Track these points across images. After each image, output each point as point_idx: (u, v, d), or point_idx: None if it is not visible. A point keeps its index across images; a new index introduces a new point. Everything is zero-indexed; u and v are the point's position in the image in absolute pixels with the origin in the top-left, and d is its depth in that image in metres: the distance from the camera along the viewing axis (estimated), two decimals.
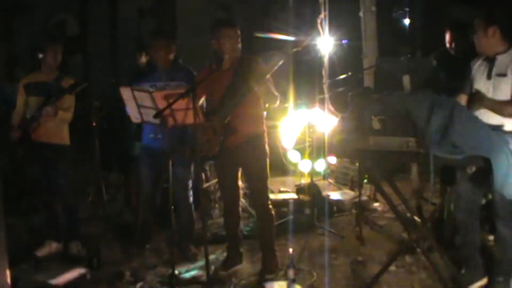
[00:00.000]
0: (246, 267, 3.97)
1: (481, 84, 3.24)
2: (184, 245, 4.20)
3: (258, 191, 3.80)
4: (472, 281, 3.35)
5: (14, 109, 4.31)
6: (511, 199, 3.11)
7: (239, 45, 3.66)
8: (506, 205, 3.18)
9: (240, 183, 3.98)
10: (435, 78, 4.12)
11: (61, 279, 3.69)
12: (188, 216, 4.21)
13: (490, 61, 3.22)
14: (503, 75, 3.13)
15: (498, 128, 3.07)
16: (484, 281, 3.36)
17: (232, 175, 3.84)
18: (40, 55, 4.16)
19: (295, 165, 6.28)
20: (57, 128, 4.17)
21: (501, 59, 3.17)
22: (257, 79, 3.46)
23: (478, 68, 3.33)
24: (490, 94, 3.16)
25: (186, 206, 4.17)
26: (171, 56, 4.07)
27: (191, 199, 4.20)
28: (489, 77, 3.21)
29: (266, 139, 3.81)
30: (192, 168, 4.16)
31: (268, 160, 3.79)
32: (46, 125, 4.12)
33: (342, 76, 5.08)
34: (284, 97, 3.98)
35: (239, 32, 3.66)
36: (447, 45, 4.26)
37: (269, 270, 3.77)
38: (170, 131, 3.62)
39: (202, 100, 3.77)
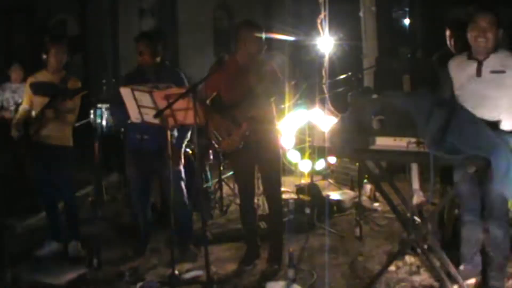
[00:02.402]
0: (246, 267, 3.96)
1: (469, 82, 3.25)
2: (184, 245, 4.20)
3: (274, 184, 3.94)
4: (469, 277, 3.38)
5: (18, 108, 4.31)
6: (505, 200, 3.14)
7: (262, 46, 3.76)
8: (500, 206, 3.22)
9: None
10: (434, 78, 4.12)
11: (61, 279, 3.70)
12: (185, 215, 4.20)
13: (478, 59, 3.24)
14: (501, 71, 3.15)
15: (497, 128, 3.08)
16: (479, 278, 3.41)
17: (250, 171, 3.97)
18: (44, 56, 4.14)
19: (295, 165, 6.28)
20: (59, 129, 4.16)
21: (493, 58, 3.20)
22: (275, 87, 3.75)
23: (461, 66, 3.33)
24: (482, 91, 3.17)
25: (182, 205, 4.15)
26: (158, 59, 4.04)
27: (185, 198, 4.19)
28: (478, 74, 3.22)
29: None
30: (182, 167, 4.16)
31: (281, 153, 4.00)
32: (48, 127, 4.11)
33: (342, 76, 5.08)
34: (283, 97, 4.04)
35: (263, 34, 3.75)
36: (448, 42, 4.25)
37: (276, 259, 3.90)
38: (157, 131, 3.62)
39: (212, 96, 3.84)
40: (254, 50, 3.72)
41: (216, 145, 3.85)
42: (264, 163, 3.88)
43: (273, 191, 3.97)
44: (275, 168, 3.92)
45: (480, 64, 3.22)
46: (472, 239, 3.45)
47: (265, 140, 3.80)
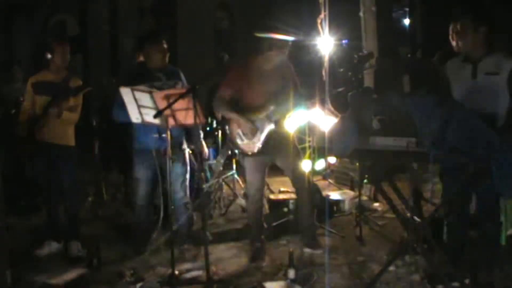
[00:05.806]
0: (246, 267, 3.97)
1: (464, 84, 3.27)
2: (184, 245, 4.20)
3: (298, 167, 4.12)
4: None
5: (19, 108, 4.31)
6: (497, 199, 3.15)
7: (286, 50, 3.87)
8: (492, 203, 3.25)
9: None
10: (434, 78, 4.12)
11: (61, 279, 3.70)
12: (186, 214, 4.20)
13: (473, 61, 3.26)
14: (494, 73, 3.17)
15: (497, 126, 3.08)
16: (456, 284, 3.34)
17: (265, 167, 4.10)
18: (49, 55, 4.14)
19: None
20: (62, 129, 4.16)
21: (487, 60, 3.22)
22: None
23: (458, 68, 3.35)
24: (475, 93, 3.18)
25: (184, 203, 4.17)
26: (167, 58, 4.11)
27: (188, 196, 4.20)
28: (474, 76, 3.24)
29: None
30: (188, 166, 4.19)
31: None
32: (51, 126, 4.11)
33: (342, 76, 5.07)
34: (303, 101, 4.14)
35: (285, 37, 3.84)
36: (450, 38, 4.23)
37: (312, 242, 4.14)
38: (174, 130, 3.65)
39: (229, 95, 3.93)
40: (276, 54, 3.81)
41: (238, 145, 3.94)
42: (285, 152, 4.01)
43: (299, 172, 4.10)
44: (295, 150, 4.11)
45: (475, 66, 3.24)
46: (456, 239, 3.46)
47: (283, 133, 3.94)
